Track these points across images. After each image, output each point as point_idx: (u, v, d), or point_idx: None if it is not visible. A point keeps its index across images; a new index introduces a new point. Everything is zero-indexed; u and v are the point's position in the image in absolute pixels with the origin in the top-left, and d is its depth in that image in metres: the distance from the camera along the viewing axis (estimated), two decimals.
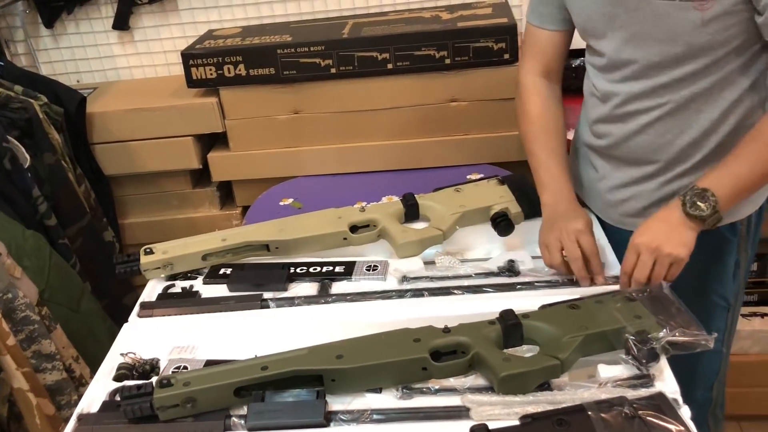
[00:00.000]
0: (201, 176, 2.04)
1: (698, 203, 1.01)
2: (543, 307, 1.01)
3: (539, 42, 1.25)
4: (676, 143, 1.13)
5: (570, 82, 1.50)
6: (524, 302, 1.03)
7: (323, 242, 1.22)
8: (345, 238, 1.22)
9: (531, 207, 1.26)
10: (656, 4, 1.02)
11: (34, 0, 2.05)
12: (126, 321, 1.12)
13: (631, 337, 0.91)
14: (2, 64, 1.78)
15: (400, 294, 1.11)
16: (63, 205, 1.70)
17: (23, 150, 1.57)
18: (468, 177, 1.77)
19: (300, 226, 1.23)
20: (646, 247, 1.02)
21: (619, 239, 1.17)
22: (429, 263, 1.20)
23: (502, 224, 1.23)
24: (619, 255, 1.12)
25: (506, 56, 1.78)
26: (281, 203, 1.81)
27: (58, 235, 1.64)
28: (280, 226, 1.23)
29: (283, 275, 1.16)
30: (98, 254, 1.83)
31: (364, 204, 1.30)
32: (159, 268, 1.18)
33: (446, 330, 0.95)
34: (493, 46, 1.75)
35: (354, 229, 1.23)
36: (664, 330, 0.91)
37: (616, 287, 1.08)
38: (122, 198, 2.03)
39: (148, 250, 1.19)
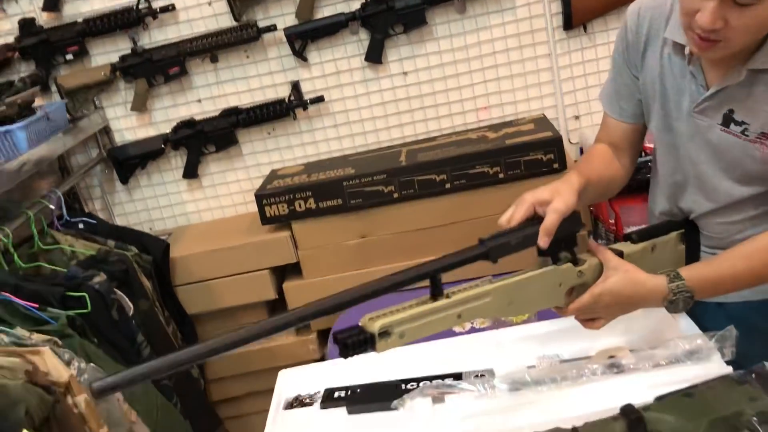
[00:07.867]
0: (276, 304, 2.14)
1: (680, 305, 1.11)
2: (658, 398, 1.07)
3: (608, 126, 1.35)
4: None
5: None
6: (634, 396, 1.08)
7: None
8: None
9: None
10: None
11: (111, 160, 2.24)
12: None
13: (754, 418, 0.96)
14: (95, 222, 1.93)
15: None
16: (158, 348, 1.79)
17: (127, 300, 1.68)
18: None
19: (526, 299, 1.23)
20: (604, 308, 1.15)
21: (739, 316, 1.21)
22: (530, 366, 1.27)
23: None
24: (747, 339, 1.14)
25: (555, 166, 1.92)
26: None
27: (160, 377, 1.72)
28: (507, 298, 1.21)
29: (399, 394, 1.24)
30: (189, 391, 1.90)
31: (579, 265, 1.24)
32: None
33: (575, 431, 1.01)
34: (542, 157, 1.90)
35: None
36: None
37: (724, 372, 1.13)
38: (203, 334, 2.12)
39: (384, 333, 1.10)
